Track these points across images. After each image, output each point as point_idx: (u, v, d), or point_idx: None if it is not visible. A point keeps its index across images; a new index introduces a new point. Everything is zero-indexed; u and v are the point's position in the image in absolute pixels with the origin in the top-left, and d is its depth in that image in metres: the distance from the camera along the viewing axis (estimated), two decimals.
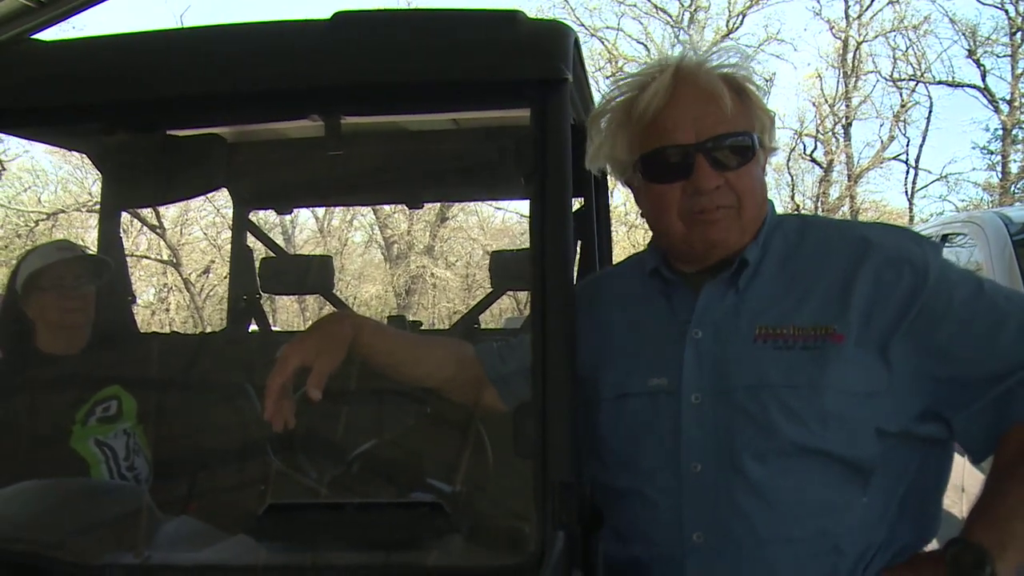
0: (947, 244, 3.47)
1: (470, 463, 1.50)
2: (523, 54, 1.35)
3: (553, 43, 1.36)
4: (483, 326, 3.21)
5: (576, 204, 2.09)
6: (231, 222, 3.20)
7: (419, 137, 2.57)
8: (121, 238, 2.69)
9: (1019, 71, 18.43)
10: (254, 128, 2.52)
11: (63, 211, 17.19)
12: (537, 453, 1.15)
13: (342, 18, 1.41)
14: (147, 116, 1.51)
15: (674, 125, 1.21)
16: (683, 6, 20.82)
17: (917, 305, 1.15)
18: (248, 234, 3.09)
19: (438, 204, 20.19)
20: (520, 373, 1.34)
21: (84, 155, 2.50)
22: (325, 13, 1.43)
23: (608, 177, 1.75)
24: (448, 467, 1.51)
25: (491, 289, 2.96)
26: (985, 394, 1.15)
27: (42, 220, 16.98)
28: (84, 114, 1.52)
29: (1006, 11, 18.50)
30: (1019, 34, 18.42)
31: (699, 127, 1.20)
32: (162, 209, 16.01)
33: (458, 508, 1.22)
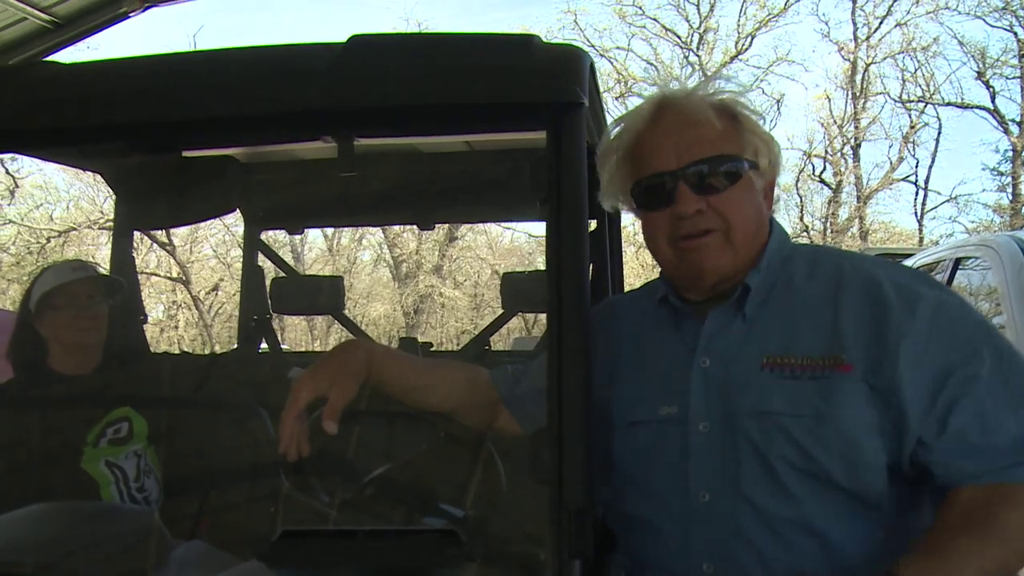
0: (961, 268, 3.45)
1: (483, 488, 1.48)
2: (539, 77, 1.34)
3: (569, 67, 1.36)
4: (493, 347, 3.20)
5: (590, 226, 2.08)
6: (241, 240, 3.20)
7: (432, 158, 2.57)
8: (134, 258, 2.70)
9: None
10: (267, 149, 2.53)
11: (75, 229, 17.29)
12: (553, 479, 1.14)
13: (357, 41, 1.41)
14: (161, 138, 1.52)
15: (656, 153, 1.23)
16: (692, 28, 20.95)
17: (909, 342, 1.12)
18: (259, 254, 3.10)
19: (447, 223, 20.26)
20: (536, 395, 1.33)
21: (98, 175, 2.50)
22: (341, 36, 1.44)
23: None
24: (461, 492, 1.49)
25: (500, 309, 2.96)
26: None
27: (54, 237, 17.08)
28: (99, 135, 1.52)
29: (1015, 33, 18.56)
30: None
31: (680, 153, 1.21)
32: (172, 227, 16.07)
33: (471, 535, 1.21)
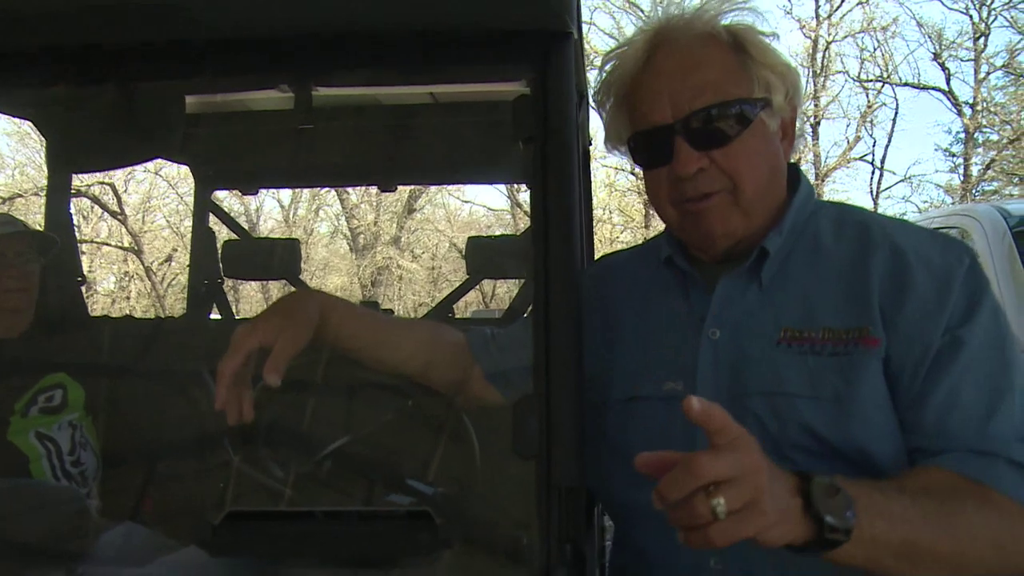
0: None
1: (455, 463, 1.36)
2: (525, 4, 1.20)
3: None
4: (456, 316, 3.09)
5: None
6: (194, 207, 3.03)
7: (394, 112, 2.42)
8: (71, 215, 2.51)
9: (981, 75, 18.75)
10: (219, 99, 2.36)
11: (20, 195, 16.83)
12: (541, 455, 1.00)
13: None
14: (93, 66, 1.34)
15: (649, 103, 1.09)
16: (656, 2, 20.86)
17: (942, 323, 1.01)
18: (211, 216, 2.92)
19: (406, 194, 20.11)
20: (519, 361, 1.21)
21: (28, 121, 2.31)
22: None
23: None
24: (430, 467, 1.37)
25: (457, 281, 2.84)
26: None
27: None
28: (22, 63, 1.34)
29: (970, 16, 18.83)
30: (982, 39, 18.74)
31: (677, 102, 1.07)
32: (124, 195, 15.74)
33: (446, 516, 1.08)
